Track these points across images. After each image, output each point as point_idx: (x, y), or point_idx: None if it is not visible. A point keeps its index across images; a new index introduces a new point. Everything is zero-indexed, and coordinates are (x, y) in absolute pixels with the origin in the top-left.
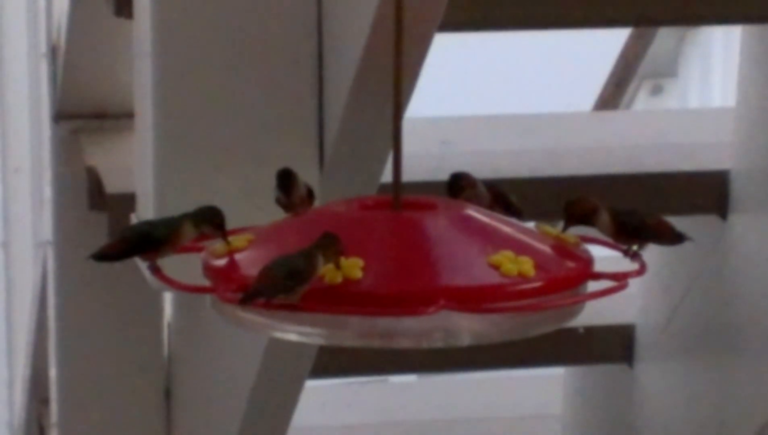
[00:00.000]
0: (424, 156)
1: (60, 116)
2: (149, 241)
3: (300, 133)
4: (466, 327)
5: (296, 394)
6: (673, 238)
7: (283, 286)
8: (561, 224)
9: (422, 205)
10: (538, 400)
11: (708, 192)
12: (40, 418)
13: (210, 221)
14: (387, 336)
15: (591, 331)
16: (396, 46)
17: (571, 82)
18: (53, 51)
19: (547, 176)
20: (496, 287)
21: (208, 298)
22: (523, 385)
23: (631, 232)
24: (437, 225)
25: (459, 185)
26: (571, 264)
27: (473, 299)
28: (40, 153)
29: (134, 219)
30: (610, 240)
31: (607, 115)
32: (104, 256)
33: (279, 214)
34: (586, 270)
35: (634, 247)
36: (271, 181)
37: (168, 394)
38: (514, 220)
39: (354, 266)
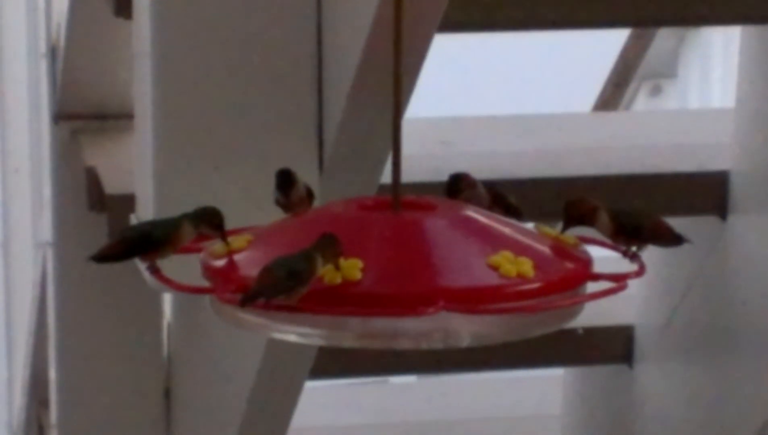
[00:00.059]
0: (423, 156)
1: (60, 117)
2: (149, 242)
3: (300, 133)
4: (466, 328)
5: (296, 394)
6: (673, 239)
7: (282, 287)
8: (560, 225)
9: (422, 206)
10: (538, 400)
11: (708, 192)
12: (40, 419)
13: (209, 222)
14: (386, 337)
15: (590, 332)
16: (396, 46)
17: (571, 83)
18: (53, 51)
19: (546, 177)
20: (495, 288)
21: (207, 298)
22: (522, 385)
23: (630, 233)
24: (437, 226)
25: (458, 186)
26: (570, 265)
27: (473, 300)
28: (39, 153)
29: (134, 220)
30: (609, 241)
31: (607, 115)
32: (104, 256)
33: (278, 215)
34: (585, 271)
35: (634, 248)
36: (271, 182)
37: (168, 394)
38: (513, 221)
39: (353, 267)
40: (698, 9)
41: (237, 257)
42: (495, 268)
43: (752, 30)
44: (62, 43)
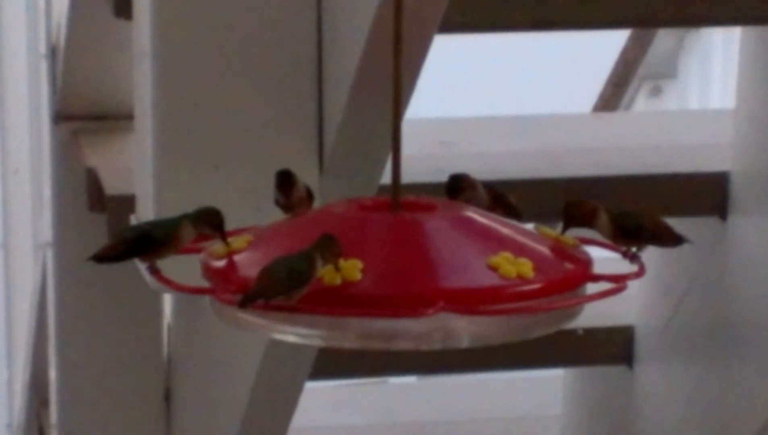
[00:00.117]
0: (423, 157)
1: (60, 117)
2: (149, 242)
3: (300, 133)
4: (466, 328)
5: (296, 395)
6: (673, 239)
7: (282, 288)
8: (560, 226)
9: (421, 207)
10: (538, 401)
11: (708, 193)
12: (40, 420)
13: (209, 222)
14: (386, 337)
15: (590, 333)
16: (396, 46)
17: (571, 83)
18: (53, 52)
19: (546, 177)
20: (495, 289)
21: (207, 299)
22: (522, 386)
23: (630, 234)
24: (436, 226)
25: (458, 186)
26: (570, 266)
27: (472, 301)
28: (39, 154)
29: (134, 220)
30: (609, 241)
31: (607, 116)
32: (104, 257)
33: (278, 215)
34: (585, 272)
35: (633, 249)
36: (271, 182)
37: (168, 394)
38: (513, 222)
39: (353, 268)
40: (698, 10)
41: (237, 258)
42: (495, 268)
43: (752, 31)
44: (62, 43)
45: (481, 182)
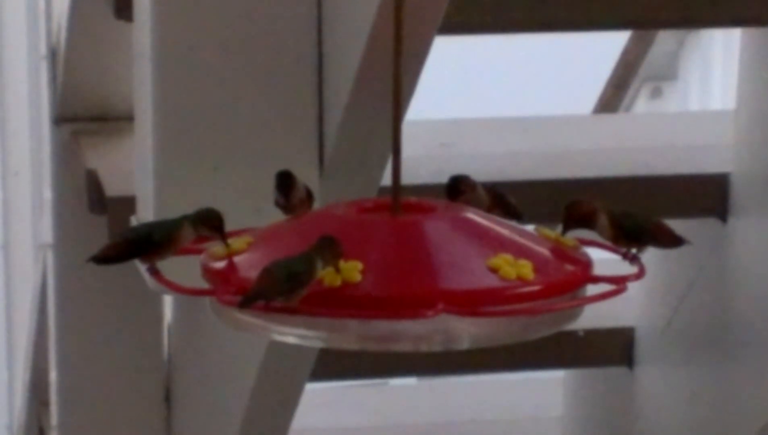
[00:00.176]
0: (424, 158)
1: (60, 119)
2: (148, 244)
3: (300, 134)
4: (466, 330)
5: (296, 396)
6: (673, 241)
7: (282, 289)
8: (560, 227)
9: (421, 208)
10: (538, 402)
11: (708, 195)
12: (41, 420)
13: (209, 223)
14: (386, 339)
15: (591, 334)
16: (396, 47)
17: (571, 85)
18: (53, 53)
19: (546, 179)
20: (494, 291)
21: (207, 300)
22: (523, 387)
23: (630, 236)
24: (436, 228)
25: (458, 188)
26: (570, 267)
27: (472, 302)
28: (39, 156)
29: (134, 221)
30: (609, 243)
31: (607, 117)
32: (104, 258)
33: (278, 216)
34: (584, 273)
35: (633, 250)
36: (271, 183)
37: (168, 396)
38: (513, 223)
39: (353, 269)
40: (698, 11)
41: (237, 259)
42: (495, 270)
43: (752, 32)
44: (62, 45)
45: (482, 183)
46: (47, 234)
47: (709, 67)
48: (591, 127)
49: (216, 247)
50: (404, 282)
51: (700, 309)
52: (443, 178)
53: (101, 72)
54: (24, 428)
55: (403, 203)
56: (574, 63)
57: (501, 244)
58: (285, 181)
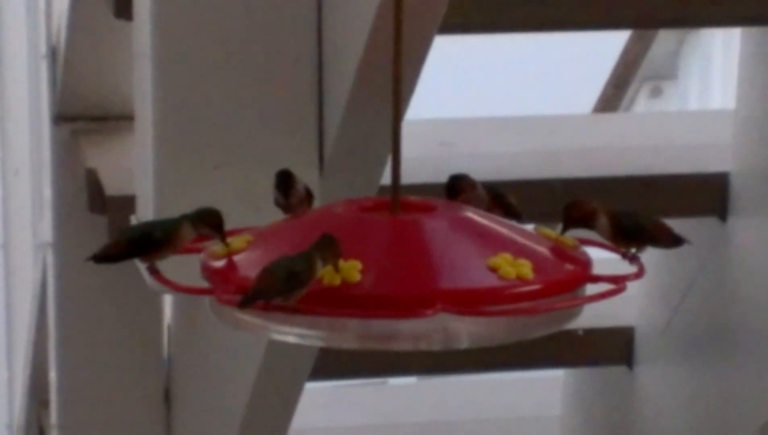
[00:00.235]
0: (423, 158)
1: (60, 118)
2: (148, 243)
3: (300, 134)
4: (465, 329)
5: (296, 395)
6: (672, 240)
7: (281, 288)
8: (560, 226)
9: (421, 207)
10: (538, 401)
11: (708, 194)
12: (40, 420)
13: (209, 222)
14: (385, 338)
15: (590, 334)
16: (396, 47)
17: (571, 84)
18: (53, 52)
19: (546, 178)
20: (494, 290)
21: (207, 299)
22: (522, 386)
23: (629, 235)
24: (436, 227)
25: (458, 187)
26: (569, 267)
27: (471, 302)
28: (39, 155)
29: (134, 221)
30: (608, 242)
31: (607, 117)
32: (104, 257)
33: (278, 216)
34: (584, 273)
35: (633, 250)
36: (271, 182)
37: (168, 395)
38: (512, 223)
39: (352, 269)
40: (698, 10)
41: (236, 258)
42: (494, 269)
43: (752, 31)
44: (62, 44)
45: (481, 183)
46: (47, 233)
47: (709, 66)
48: (591, 126)
49: (215, 246)
50: (404, 281)
51: (700, 308)
52: (443, 178)
53: (101, 71)
54: (24, 428)
55: (403, 202)
56: (574, 62)
57: (500, 244)
58: (284, 181)
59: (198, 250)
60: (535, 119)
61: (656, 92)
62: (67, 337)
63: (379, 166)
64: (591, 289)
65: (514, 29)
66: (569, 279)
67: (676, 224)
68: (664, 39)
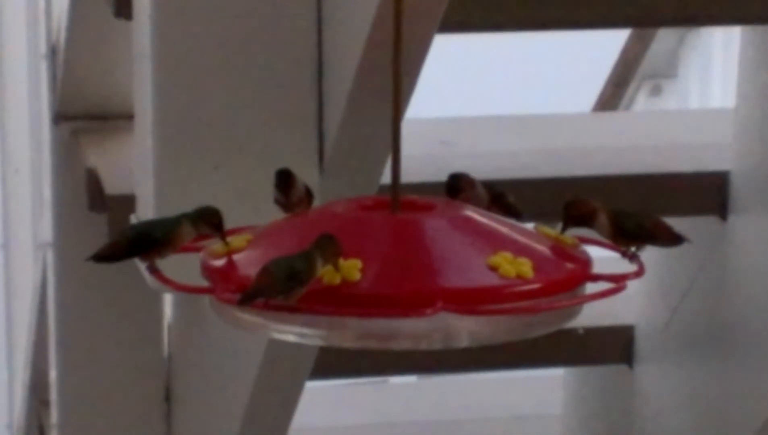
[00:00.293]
0: (423, 157)
1: (60, 117)
2: (148, 242)
3: (300, 133)
4: (465, 328)
5: (296, 394)
6: (672, 239)
7: (281, 287)
8: (560, 225)
9: (421, 206)
10: (538, 400)
11: (708, 193)
12: (41, 419)
13: (209, 221)
14: (385, 337)
15: (591, 332)
16: (396, 46)
17: (571, 83)
18: (53, 52)
19: (546, 177)
20: (494, 289)
21: (207, 298)
22: (522, 385)
23: (629, 234)
24: (436, 226)
25: (458, 186)
26: (569, 265)
27: (472, 301)
28: (39, 154)
29: (134, 220)
30: (608, 241)
31: (607, 115)
32: (104, 256)
33: (278, 215)
34: (584, 271)
35: (633, 249)
36: (270, 182)
37: (168, 394)
38: (512, 221)
39: (352, 267)
40: (698, 9)
41: (236, 257)
42: (494, 268)
43: (752, 30)
44: (62, 43)
45: (481, 182)
46: (47, 233)
47: (708, 65)
48: (591, 125)
49: (215, 245)
50: (404, 280)
51: (700, 307)
52: (443, 177)
53: (101, 71)
54: (24, 427)
55: (403, 201)
56: (573, 61)
57: (500, 242)
58: (284, 180)
59: (198, 249)
60: (535, 118)
61: (656, 91)
62: (67, 336)
63: (379, 165)
64: (591, 287)
65: (515, 28)
66: (569, 278)
67: (676, 223)
68: (664, 37)
